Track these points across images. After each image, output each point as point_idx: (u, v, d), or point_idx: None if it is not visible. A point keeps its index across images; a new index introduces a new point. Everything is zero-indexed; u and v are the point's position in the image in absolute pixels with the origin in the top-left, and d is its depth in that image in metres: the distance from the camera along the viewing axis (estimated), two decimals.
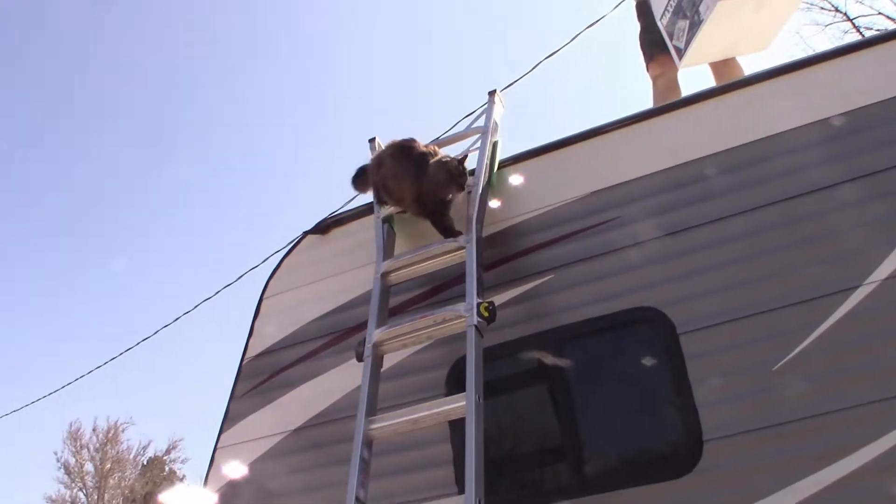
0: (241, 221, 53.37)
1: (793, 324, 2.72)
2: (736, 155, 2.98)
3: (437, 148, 3.39)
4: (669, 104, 3.35)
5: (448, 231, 3.19)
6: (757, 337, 2.76)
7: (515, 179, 3.37)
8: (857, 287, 2.68)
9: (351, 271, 3.49)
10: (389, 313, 3.23)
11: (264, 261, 6.64)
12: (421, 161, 3.26)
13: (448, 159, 3.25)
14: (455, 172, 3.19)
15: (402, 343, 3.06)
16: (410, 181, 3.24)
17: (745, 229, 2.88)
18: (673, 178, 3.05)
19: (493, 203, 3.30)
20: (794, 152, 2.92)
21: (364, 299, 3.29)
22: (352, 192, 3.69)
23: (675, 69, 4.26)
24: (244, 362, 3.63)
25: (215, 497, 3.48)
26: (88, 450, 36.92)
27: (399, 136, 3.44)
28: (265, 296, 3.71)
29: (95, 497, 36.05)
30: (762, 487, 2.59)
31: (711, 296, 2.86)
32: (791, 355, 2.68)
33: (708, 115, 3.15)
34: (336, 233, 3.66)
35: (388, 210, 3.43)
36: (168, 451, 38.56)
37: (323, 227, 3.68)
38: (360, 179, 3.59)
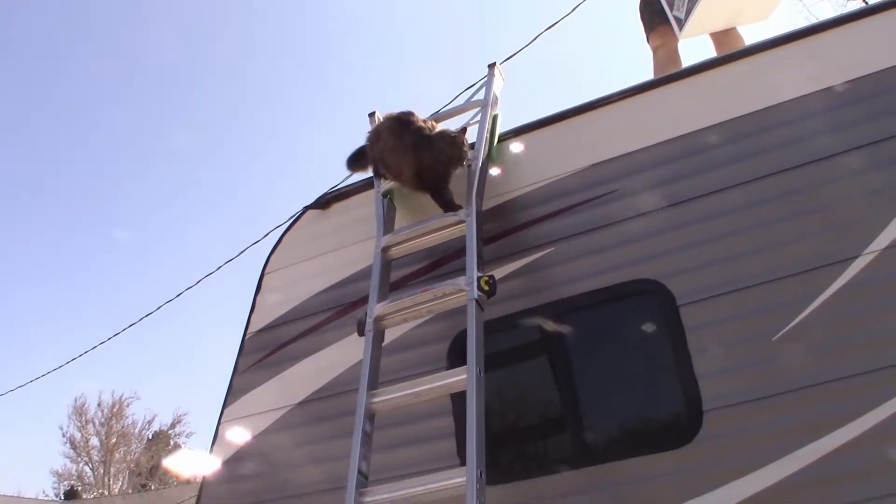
0: (243, 196, 53.20)
1: (792, 294, 2.73)
2: (735, 126, 2.97)
3: (434, 122, 3.36)
4: (669, 76, 3.33)
5: (448, 205, 3.18)
6: (756, 307, 2.77)
7: (515, 153, 3.36)
8: (856, 257, 2.68)
9: (352, 246, 3.50)
10: (390, 288, 3.24)
11: (266, 235, 6.67)
12: (420, 135, 3.23)
13: (453, 133, 3.23)
14: (462, 146, 3.19)
15: (402, 317, 3.07)
16: (410, 156, 3.22)
17: (745, 200, 2.88)
18: (673, 149, 3.04)
19: (493, 176, 3.30)
20: (794, 123, 2.91)
21: (365, 274, 3.30)
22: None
23: (676, 40, 4.23)
24: (246, 337, 3.65)
25: (219, 468, 3.51)
26: (94, 424, 37.14)
27: (397, 110, 3.43)
28: (266, 271, 3.72)
29: (101, 471, 36.33)
30: (762, 456, 2.61)
31: (711, 267, 2.86)
32: (790, 325, 2.69)
33: (707, 85, 3.14)
34: (336, 207, 3.66)
35: (388, 184, 3.42)
36: (173, 426, 38.79)
37: (323, 202, 3.68)
38: (357, 161, 3.56)
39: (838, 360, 2.63)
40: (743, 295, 2.79)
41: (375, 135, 3.42)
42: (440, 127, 3.31)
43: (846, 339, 2.65)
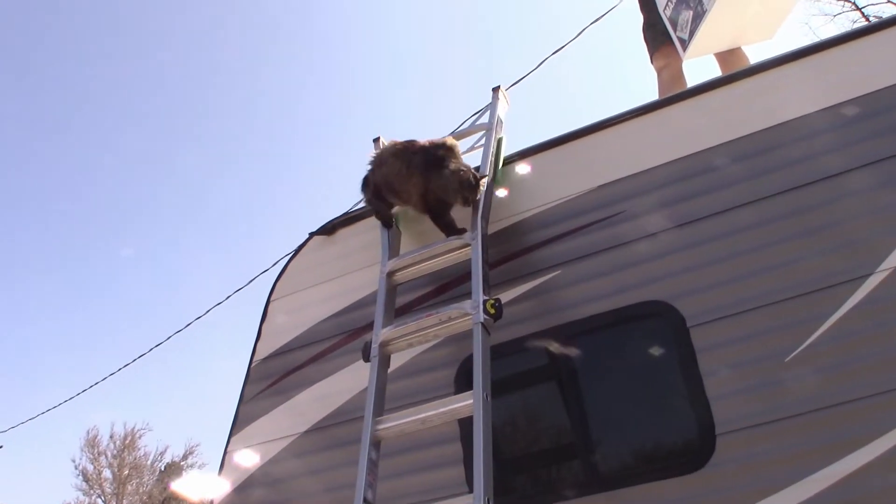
0: (252, 223, 53.35)
1: (804, 314, 2.68)
2: (742, 144, 2.95)
3: (451, 142, 3.30)
4: (673, 95, 3.31)
5: (448, 228, 3.17)
6: (768, 328, 2.72)
7: (521, 175, 3.34)
8: (868, 275, 2.64)
9: (357, 271, 3.48)
10: (396, 313, 3.21)
11: (274, 264, 6.65)
12: (428, 156, 3.22)
13: (465, 171, 3.16)
14: (465, 185, 3.12)
15: (408, 342, 3.03)
16: (417, 178, 3.21)
17: (754, 219, 2.85)
18: (679, 169, 3.02)
19: (499, 199, 3.27)
20: (803, 140, 2.89)
21: (371, 299, 3.27)
22: (357, 194, 3.64)
23: (680, 60, 4.21)
24: (252, 365, 3.62)
25: (226, 498, 3.46)
26: (106, 456, 37.01)
27: (400, 138, 3.43)
28: (272, 298, 3.70)
29: (114, 503, 36.18)
30: (777, 480, 2.56)
31: (721, 288, 2.82)
32: (803, 346, 2.65)
33: (713, 105, 3.12)
34: (342, 233, 3.64)
35: (394, 209, 3.40)
36: (185, 457, 38.58)
37: (329, 228, 3.66)
38: (368, 184, 3.51)
39: (853, 380, 2.58)
40: (754, 315, 2.75)
41: (379, 161, 3.40)
42: (460, 155, 3.28)
43: (861, 359, 2.59)
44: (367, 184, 3.46)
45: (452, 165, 3.18)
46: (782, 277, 2.75)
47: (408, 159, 3.26)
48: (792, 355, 2.65)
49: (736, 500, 2.59)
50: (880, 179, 2.74)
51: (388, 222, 3.40)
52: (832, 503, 2.48)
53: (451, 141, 3.33)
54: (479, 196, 3.16)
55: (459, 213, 3.21)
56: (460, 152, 3.32)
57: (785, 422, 2.61)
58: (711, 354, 2.76)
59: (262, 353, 3.61)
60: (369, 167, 3.44)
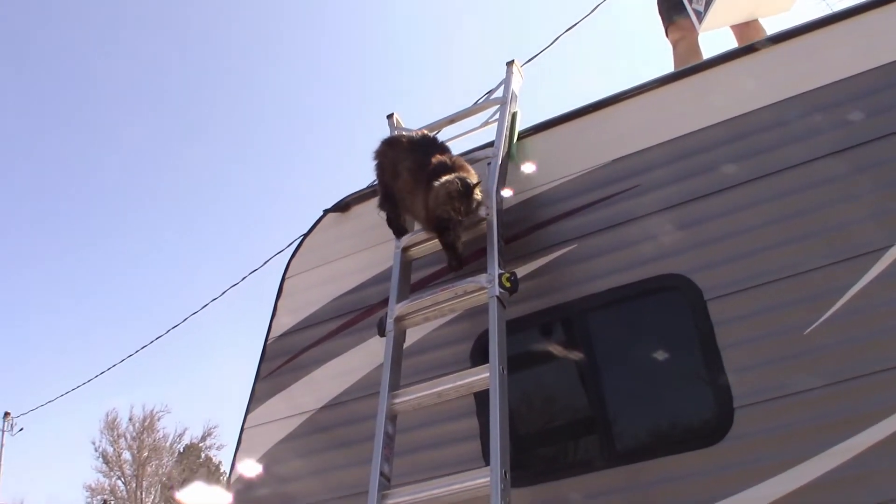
0: (266, 203, 53.44)
1: (824, 286, 2.65)
2: (759, 116, 2.92)
3: (456, 160, 3.13)
4: (689, 68, 3.27)
5: (452, 254, 3.03)
6: (787, 300, 2.69)
7: (535, 150, 3.32)
8: (890, 246, 2.60)
9: (372, 247, 3.47)
10: (411, 288, 3.20)
11: (289, 245, 6.69)
12: (436, 172, 3.02)
13: (451, 181, 2.94)
14: (454, 195, 2.91)
15: (424, 317, 3.03)
16: (422, 196, 3.06)
17: (772, 191, 2.82)
18: (695, 142, 2.99)
19: (514, 174, 3.25)
20: (821, 111, 2.84)
21: (386, 275, 3.27)
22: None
23: (696, 33, 4.15)
24: (268, 343, 3.63)
25: (243, 475, 3.48)
26: (125, 438, 37.39)
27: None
28: (287, 276, 3.70)
29: (134, 485, 36.56)
30: (796, 453, 2.54)
31: (739, 260, 2.80)
32: (823, 318, 2.62)
33: (727, 77, 3.08)
34: (356, 210, 3.63)
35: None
36: (203, 438, 38.96)
37: (343, 205, 3.65)
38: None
39: (874, 352, 2.55)
40: (773, 288, 2.72)
41: (392, 171, 3.27)
42: (461, 165, 3.09)
43: (882, 331, 2.57)
44: (382, 188, 3.35)
45: (442, 179, 2.96)
46: (802, 249, 2.72)
47: (417, 175, 3.11)
48: (811, 328, 2.63)
49: (754, 474, 2.58)
50: None
51: (401, 230, 3.28)
52: (851, 476, 2.46)
53: (459, 161, 3.13)
54: (474, 204, 2.94)
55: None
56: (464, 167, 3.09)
57: (803, 395, 2.59)
58: (729, 327, 2.74)
59: (278, 330, 3.62)
60: (382, 175, 3.33)
